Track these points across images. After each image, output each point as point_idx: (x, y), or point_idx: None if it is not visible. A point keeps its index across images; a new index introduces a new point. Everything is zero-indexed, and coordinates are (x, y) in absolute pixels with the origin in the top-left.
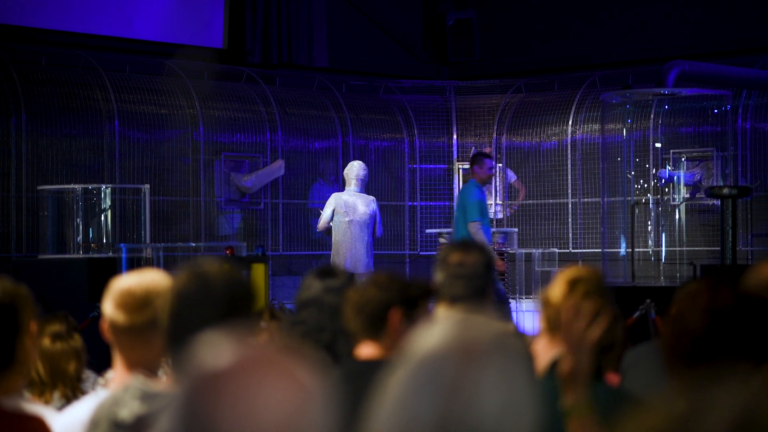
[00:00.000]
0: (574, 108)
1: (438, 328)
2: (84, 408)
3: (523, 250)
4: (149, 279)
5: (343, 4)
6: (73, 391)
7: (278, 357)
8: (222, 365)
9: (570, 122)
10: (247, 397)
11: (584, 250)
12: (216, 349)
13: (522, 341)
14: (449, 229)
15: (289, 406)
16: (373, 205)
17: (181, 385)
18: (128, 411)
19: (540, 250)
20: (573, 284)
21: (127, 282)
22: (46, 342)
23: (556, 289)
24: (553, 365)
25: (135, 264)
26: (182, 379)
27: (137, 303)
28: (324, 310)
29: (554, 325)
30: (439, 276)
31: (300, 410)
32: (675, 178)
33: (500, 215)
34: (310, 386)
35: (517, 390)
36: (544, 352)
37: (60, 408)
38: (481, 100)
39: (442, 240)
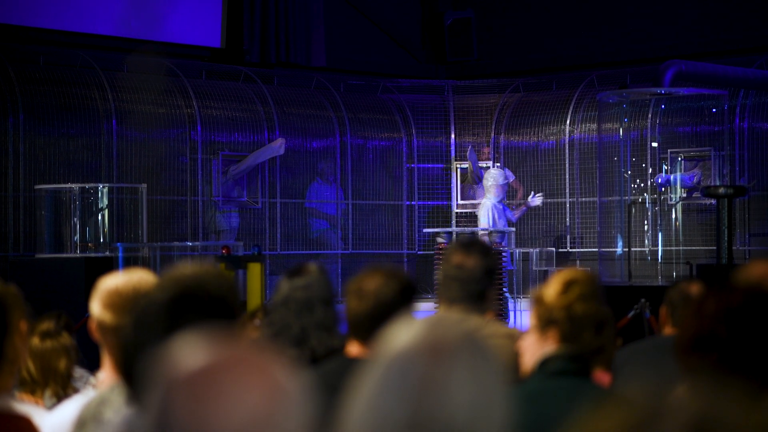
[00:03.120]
0: (571, 107)
1: (408, 328)
2: (72, 408)
3: (521, 250)
4: (137, 278)
5: (341, 3)
6: (64, 389)
7: (253, 357)
8: (196, 366)
9: (568, 122)
10: (221, 397)
11: (582, 250)
12: (191, 350)
13: (497, 341)
14: (447, 229)
15: (263, 406)
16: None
17: (155, 387)
18: (114, 411)
19: (537, 250)
20: (568, 285)
21: (114, 281)
22: (36, 341)
23: (551, 289)
24: (542, 364)
25: (132, 263)
26: (157, 380)
27: (125, 303)
28: (290, 308)
29: (545, 323)
30: (438, 276)
31: (275, 410)
32: (672, 178)
33: None
34: (285, 386)
35: (487, 389)
36: (533, 349)
37: (51, 406)
38: (479, 99)
39: (439, 239)
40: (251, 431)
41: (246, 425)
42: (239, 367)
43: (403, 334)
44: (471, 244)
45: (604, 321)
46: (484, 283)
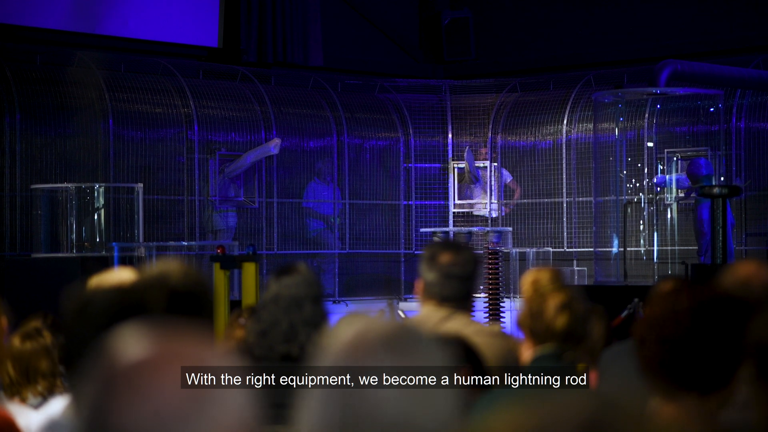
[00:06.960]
0: (568, 107)
1: (342, 327)
2: (58, 406)
3: (518, 249)
4: (116, 278)
5: (338, 3)
6: (49, 390)
7: (188, 351)
8: (130, 359)
9: (565, 121)
10: (137, 393)
11: (579, 249)
12: (127, 343)
13: (480, 339)
14: (444, 228)
15: (177, 406)
16: None
17: (91, 378)
18: None
19: (534, 249)
20: (533, 285)
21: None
22: (16, 342)
23: (524, 293)
24: (531, 364)
25: (128, 263)
26: (93, 371)
27: None
28: (280, 304)
29: (525, 328)
30: (429, 275)
31: (191, 411)
32: (668, 179)
33: (495, 214)
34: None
35: (418, 389)
36: (525, 353)
37: (37, 406)
38: (476, 99)
39: (436, 239)
40: (163, 429)
41: (156, 424)
42: (163, 363)
43: (338, 332)
44: (453, 242)
45: (569, 303)
46: (469, 282)
